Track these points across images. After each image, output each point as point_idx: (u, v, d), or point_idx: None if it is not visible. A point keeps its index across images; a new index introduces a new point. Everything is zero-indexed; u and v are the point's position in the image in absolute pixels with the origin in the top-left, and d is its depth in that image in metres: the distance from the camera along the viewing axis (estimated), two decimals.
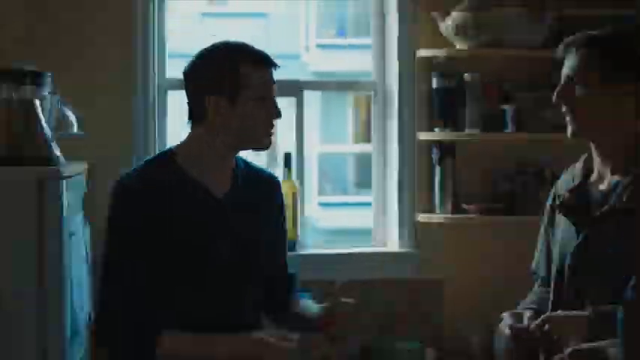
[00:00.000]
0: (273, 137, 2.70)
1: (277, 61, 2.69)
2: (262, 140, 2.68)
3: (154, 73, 3.92)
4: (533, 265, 2.89)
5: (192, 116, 2.68)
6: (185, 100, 2.71)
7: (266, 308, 2.87)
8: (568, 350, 2.33)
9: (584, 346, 2.35)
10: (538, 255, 2.87)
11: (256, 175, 2.81)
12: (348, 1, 10.31)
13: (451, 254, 4.15)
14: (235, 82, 2.60)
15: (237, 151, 2.72)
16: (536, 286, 2.89)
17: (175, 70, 4.28)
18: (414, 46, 4.11)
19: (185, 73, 2.69)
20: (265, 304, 2.85)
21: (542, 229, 2.86)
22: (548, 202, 2.83)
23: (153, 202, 2.62)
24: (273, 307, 2.88)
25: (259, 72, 2.64)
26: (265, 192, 2.82)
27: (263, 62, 2.66)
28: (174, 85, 3.93)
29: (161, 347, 2.55)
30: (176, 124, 4.14)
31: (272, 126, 2.68)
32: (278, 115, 2.68)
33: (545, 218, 2.84)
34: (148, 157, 2.76)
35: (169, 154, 2.72)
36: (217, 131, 2.64)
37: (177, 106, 4.03)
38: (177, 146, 2.74)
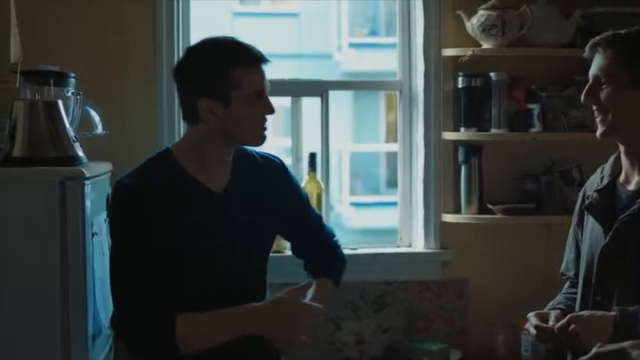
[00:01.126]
0: (266, 132, 2.73)
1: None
2: (256, 137, 2.72)
3: None
4: (563, 266, 2.89)
5: (186, 117, 2.72)
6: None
7: (305, 266, 2.99)
8: (592, 352, 2.31)
9: (609, 347, 2.33)
10: (567, 256, 2.87)
11: (259, 165, 2.85)
12: (380, 1, 10.28)
13: (477, 255, 4.14)
14: (226, 84, 2.62)
15: (234, 147, 2.75)
16: (565, 286, 2.89)
17: None
18: (440, 45, 4.10)
19: (175, 75, 2.71)
20: (304, 265, 2.99)
21: (571, 230, 2.86)
22: (578, 203, 2.83)
23: (151, 199, 2.65)
24: (309, 266, 2.98)
25: (250, 71, 2.65)
26: (270, 180, 2.85)
27: (253, 61, 2.67)
28: None
29: (181, 330, 2.57)
30: None
31: (264, 122, 2.71)
32: (271, 111, 2.70)
33: (575, 219, 2.84)
34: (148, 157, 2.77)
35: (167, 153, 2.75)
36: (211, 130, 2.67)
37: None
38: (176, 145, 2.80)
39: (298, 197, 2.96)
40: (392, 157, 9.43)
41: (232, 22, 9.26)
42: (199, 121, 2.67)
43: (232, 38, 2.70)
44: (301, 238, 3.01)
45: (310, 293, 2.82)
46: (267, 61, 2.69)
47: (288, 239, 3.12)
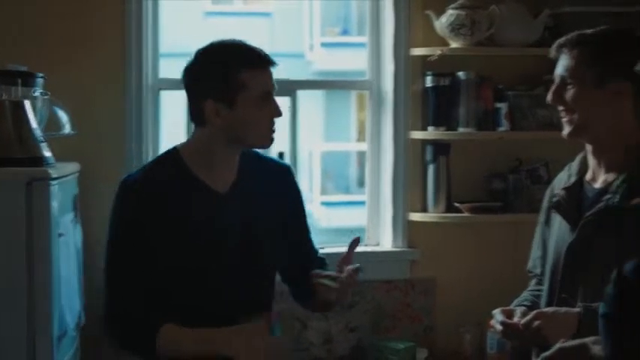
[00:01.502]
0: (274, 135, 2.72)
1: (277, 59, 2.69)
2: (263, 139, 2.70)
3: (148, 73, 3.91)
4: (530, 263, 2.90)
5: (193, 118, 2.71)
6: (184, 100, 2.73)
7: (294, 295, 2.94)
8: (555, 347, 2.34)
9: (571, 342, 2.36)
10: (534, 253, 2.88)
11: (265, 166, 2.84)
12: (352, 0, 10.28)
13: (444, 253, 4.16)
14: (232, 86, 2.61)
15: (240, 149, 2.74)
16: (531, 284, 2.90)
17: (173, 69, 4.30)
18: (409, 44, 4.11)
19: (183, 75, 2.70)
20: (293, 292, 2.93)
21: (538, 228, 2.87)
22: (545, 201, 2.85)
23: (155, 199, 2.65)
24: (300, 294, 2.92)
25: (256, 73, 2.64)
26: (275, 182, 2.84)
27: (260, 63, 2.66)
28: (168, 84, 3.94)
29: (161, 339, 2.57)
30: (171, 124, 4.15)
31: (272, 125, 2.70)
32: (278, 113, 2.69)
33: (542, 217, 2.85)
34: (157, 156, 2.78)
35: (174, 153, 2.74)
36: (218, 132, 2.66)
37: (171, 106, 4.05)
38: (183, 144, 2.77)
39: (301, 209, 2.94)
40: (363, 156, 9.42)
41: (204, 21, 9.24)
42: (206, 122, 2.66)
43: (240, 41, 2.69)
44: (294, 251, 2.91)
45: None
46: (275, 63, 2.68)
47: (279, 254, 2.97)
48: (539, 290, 2.79)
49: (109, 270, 2.66)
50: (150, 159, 3.68)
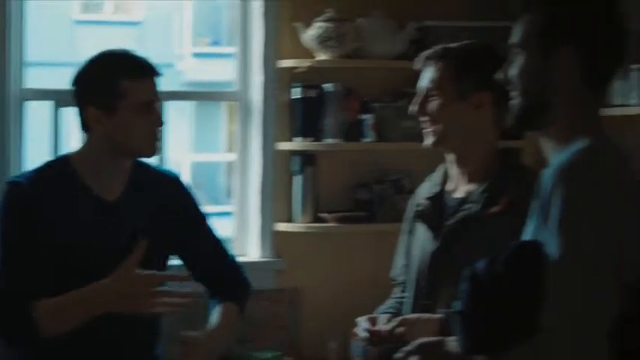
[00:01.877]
0: (158, 144, 2.74)
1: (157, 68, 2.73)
2: (145, 149, 2.73)
3: (11, 82, 3.83)
4: (393, 271, 2.94)
5: (80, 125, 2.74)
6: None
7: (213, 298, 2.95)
8: (414, 343, 2.41)
9: (430, 339, 2.44)
10: (398, 261, 2.93)
11: (155, 177, 2.86)
12: (223, 10, 10.28)
13: (310, 263, 4.18)
14: (112, 94, 2.65)
15: (127, 158, 2.76)
16: (395, 291, 2.94)
17: (39, 79, 4.22)
18: (277, 56, 4.13)
19: (71, 83, 2.74)
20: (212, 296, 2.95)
21: (402, 237, 2.91)
22: (408, 211, 2.90)
23: (40, 201, 2.65)
24: (212, 294, 2.95)
25: (137, 82, 2.68)
26: (165, 192, 2.85)
27: (141, 72, 2.70)
28: (34, 95, 3.87)
29: (41, 313, 2.56)
30: (37, 135, 4.08)
31: (155, 134, 2.73)
32: (158, 123, 2.72)
33: (406, 226, 2.89)
34: (46, 161, 2.80)
35: (64, 159, 2.77)
36: (101, 139, 2.69)
37: (37, 116, 3.97)
38: (74, 151, 2.80)
39: (195, 215, 2.95)
40: (232, 167, 9.42)
41: (73, 30, 9.12)
42: (89, 129, 2.70)
43: (127, 50, 2.74)
44: (198, 259, 2.96)
45: (215, 319, 2.84)
46: (158, 74, 2.73)
47: (183, 259, 3.01)
48: (402, 298, 2.83)
49: None
50: (14, 172, 3.64)
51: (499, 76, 2.18)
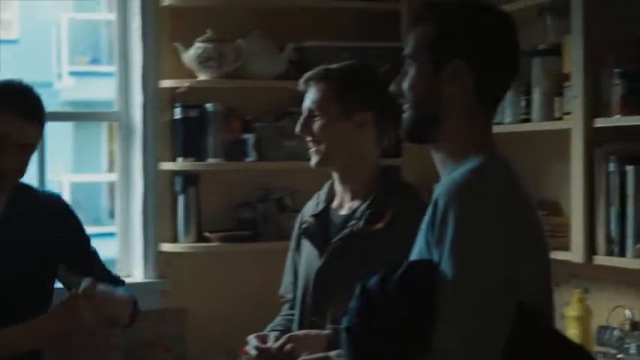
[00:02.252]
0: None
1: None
2: None
3: None
4: (282, 288, 2.98)
5: None
6: None
7: None
8: (300, 359, 2.46)
9: (315, 355, 2.51)
10: (285, 279, 2.97)
11: (36, 199, 2.86)
12: (101, 28, 10.19)
13: (196, 283, 4.17)
14: None
15: (5, 186, 2.75)
16: (284, 309, 2.98)
17: None
18: (157, 76, 4.13)
19: None
20: None
21: (289, 254, 2.95)
22: (295, 228, 2.94)
23: None
24: None
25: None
26: (46, 214, 2.85)
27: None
28: None
29: None
30: None
31: None
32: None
33: (293, 243, 2.94)
34: None
35: None
36: None
37: None
38: None
39: (78, 237, 2.93)
40: (114, 187, 9.30)
41: None
42: None
43: (20, 86, 2.81)
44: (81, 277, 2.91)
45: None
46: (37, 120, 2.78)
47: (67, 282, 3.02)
48: (291, 315, 2.87)
49: None
50: None
51: (391, 88, 2.16)
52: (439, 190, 1.99)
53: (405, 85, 2.10)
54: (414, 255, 2.06)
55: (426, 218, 2.01)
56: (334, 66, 2.79)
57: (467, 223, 1.92)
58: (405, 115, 2.12)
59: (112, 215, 8.88)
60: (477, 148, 2.05)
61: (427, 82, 2.07)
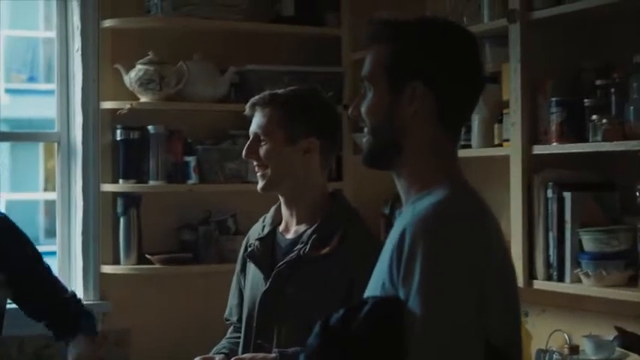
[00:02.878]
0: None
1: None
2: None
3: None
4: (227, 311, 2.97)
5: None
6: None
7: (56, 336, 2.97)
8: None
9: None
10: (231, 301, 2.96)
11: None
12: (39, 46, 10.08)
13: (137, 305, 4.16)
14: None
15: None
16: (229, 331, 2.98)
17: None
18: (99, 97, 4.11)
19: None
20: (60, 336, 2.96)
21: (235, 277, 2.95)
22: (241, 251, 2.93)
23: None
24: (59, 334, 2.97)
25: None
26: None
27: None
28: None
29: None
30: None
31: None
32: None
33: (238, 266, 2.93)
34: None
35: None
36: None
37: None
38: None
39: (24, 252, 2.91)
40: (51, 205, 9.15)
41: None
42: None
43: None
44: (33, 296, 2.95)
45: (71, 355, 2.82)
46: None
47: (18, 300, 3.00)
48: (237, 337, 2.86)
49: None
50: None
51: (348, 112, 2.07)
52: (405, 222, 1.87)
53: (363, 108, 1.99)
54: (374, 289, 1.94)
55: (390, 251, 1.89)
56: (280, 91, 2.79)
57: (435, 261, 1.81)
58: (364, 141, 2.02)
59: (48, 234, 8.78)
60: (442, 175, 1.95)
61: (385, 105, 1.95)
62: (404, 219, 1.90)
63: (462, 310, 1.81)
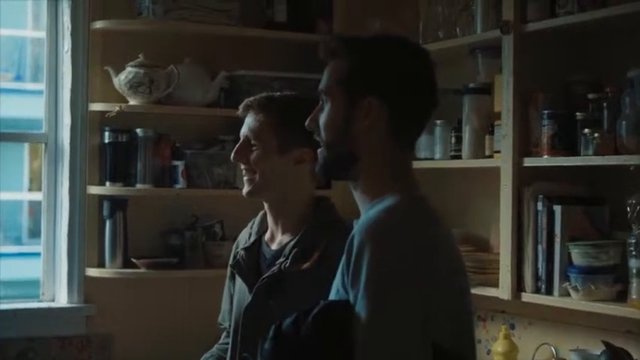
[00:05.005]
0: None
1: None
2: None
3: None
4: (220, 316, 2.92)
5: None
6: None
7: None
8: None
9: None
10: (223, 306, 2.90)
11: None
12: (27, 46, 10.03)
13: (122, 309, 4.14)
14: None
15: None
16: (222, 336, 2.93)
17: None
18: (88, 99, 4.09)
19: None
20: None
21: (226, 282, 2.89)
22: (231, 258, 2.84)
23: None
24: None
25: None
26: None
27: None
28: None
29: None
30: None
31: None
32: None
33: (228, 272, 2.86)
34: None
35: None
36: None
37: None
38: None
39: None
40: (36, 206, 9.09)
41: None
42: None
43: None
44: None
45: None
46: None
47: None
48: (227, 344, 2.81)
49: None
50: None
51: (307, 125, 2.13)
52: (355, 229, 1.94)
53: (321, 121, 2.08)
54: (332, 295, 2.01)
55: (343, 258, 1.96)
56: (276, 95, 2.72)
57: (380, 264, 1.87)
58: (320, 152, 2.10)
59: (32, 234, 8.73)
60: (394, 186, 2.02)
61: (341, 118, 2.04)
62: (357, 225, 1.97)
63: (406, 311, 1.87)
